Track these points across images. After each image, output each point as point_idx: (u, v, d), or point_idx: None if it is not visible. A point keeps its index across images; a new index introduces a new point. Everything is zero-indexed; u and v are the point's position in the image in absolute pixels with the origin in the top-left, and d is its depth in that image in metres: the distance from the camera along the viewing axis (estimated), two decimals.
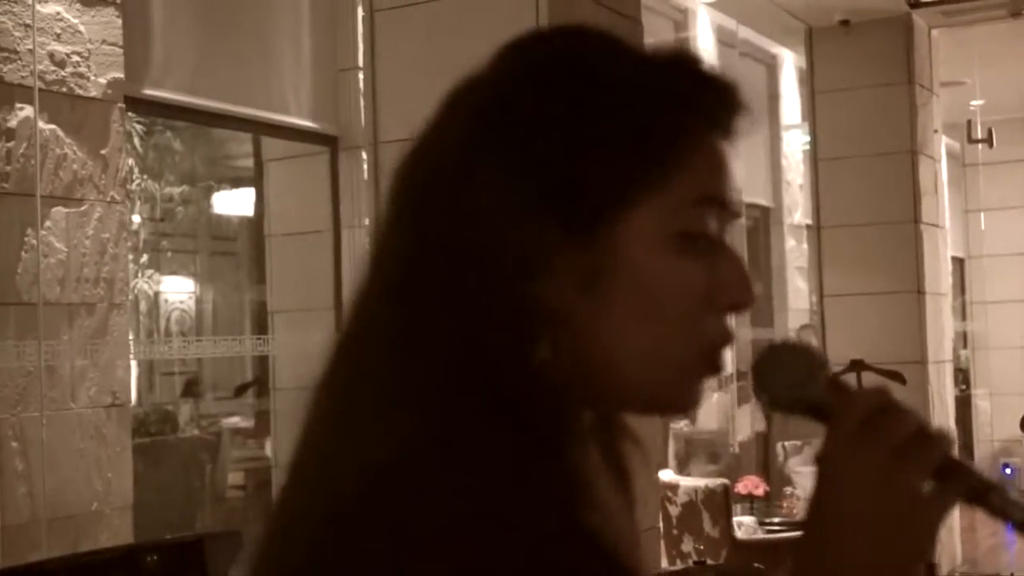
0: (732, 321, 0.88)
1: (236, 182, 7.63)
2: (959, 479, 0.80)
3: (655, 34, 7.99)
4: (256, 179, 5.60)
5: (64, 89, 3.36)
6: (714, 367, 0.86)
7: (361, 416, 0.82)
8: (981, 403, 12.36)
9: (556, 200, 0.81)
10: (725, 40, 8.90)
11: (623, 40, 0.88)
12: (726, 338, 0.86)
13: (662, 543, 5.47)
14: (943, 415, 7.42)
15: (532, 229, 0.81)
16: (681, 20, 8.64)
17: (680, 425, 8.17)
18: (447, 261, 0.82)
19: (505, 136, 0.83)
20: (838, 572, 0.79)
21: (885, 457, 0.78)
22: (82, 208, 3.39)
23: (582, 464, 0.84)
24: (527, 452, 0.78)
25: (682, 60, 0.87)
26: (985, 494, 0.80)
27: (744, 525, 6.15)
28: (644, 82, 0.84)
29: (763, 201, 9.90)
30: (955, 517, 7.64)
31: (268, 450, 5.97)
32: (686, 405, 0.88)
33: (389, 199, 0.89)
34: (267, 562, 0.83)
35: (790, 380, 0.84)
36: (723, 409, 8.20)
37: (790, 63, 9.83)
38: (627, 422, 0.96)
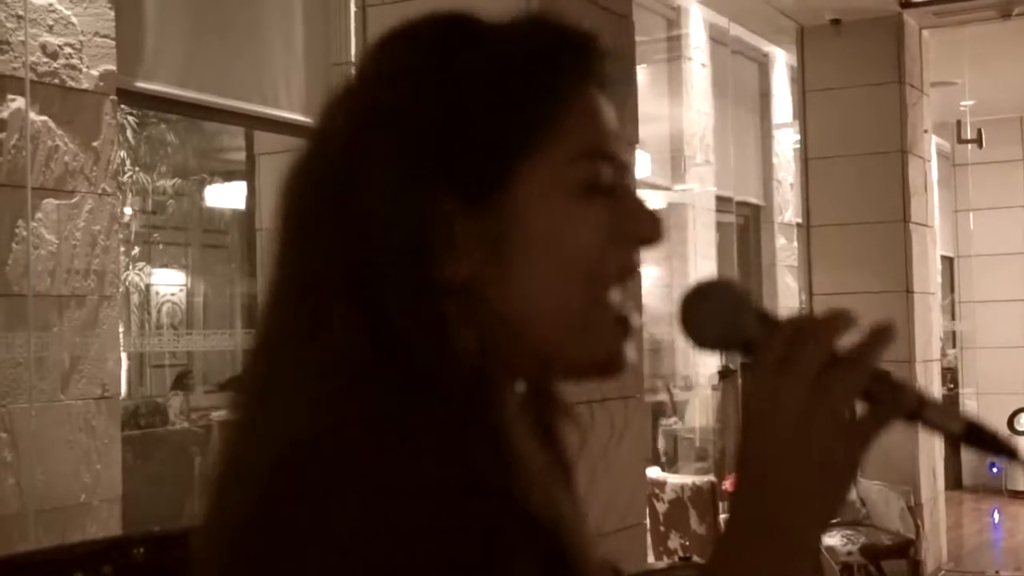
0: (638, 257, 0.88)
1: (228, 175, 7.62)
2: (889, 398, 0.77)
3: (647, 32, 7.99)
4: (248, 172, 5.60)
5: (56, 81, 3.36)
6: (622, 315, 0.86)
7: (276, 405, 0.82)
8: (969, 402, 12.36)
9: (446, 174, 0.82)
10: (717, 38, 8.91)
11: (478, 12, 0.90)
12: (632, 269, 0.86)
13: (649, 540, 5.48)
14: None
15: (428, 206, 0.82)
16: (673, 18, 8.65)
17: (669, 422, 8.18)
18: (347, 251, 0.83)
19: (384, 122, 0.84)
20: (769, 508, 0.78)
21: (804, 387, 0.76)
22: (73, 200, 3.38)
23: (511, 437, 0.83)
24: (445, 427, 0.78)
25: (542, 20, 0.89)
26: (920, 410, 0.78)
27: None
28: (511, 45, 0.86)
29: (754, 199, 9.91)
30: (941, 515, 7.66)
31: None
32: (610, 362, 0.87)
33: (282, 197, 0.89)
34: (201, 551, 0.83)
35: (718, 317, 0.82)
36: (711, 406, 8.21)
37: (782, 61, 9.84)
38: (560, 396, 0.96)
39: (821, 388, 0.76)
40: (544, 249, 0.84)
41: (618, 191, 0.86)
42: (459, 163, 0.82)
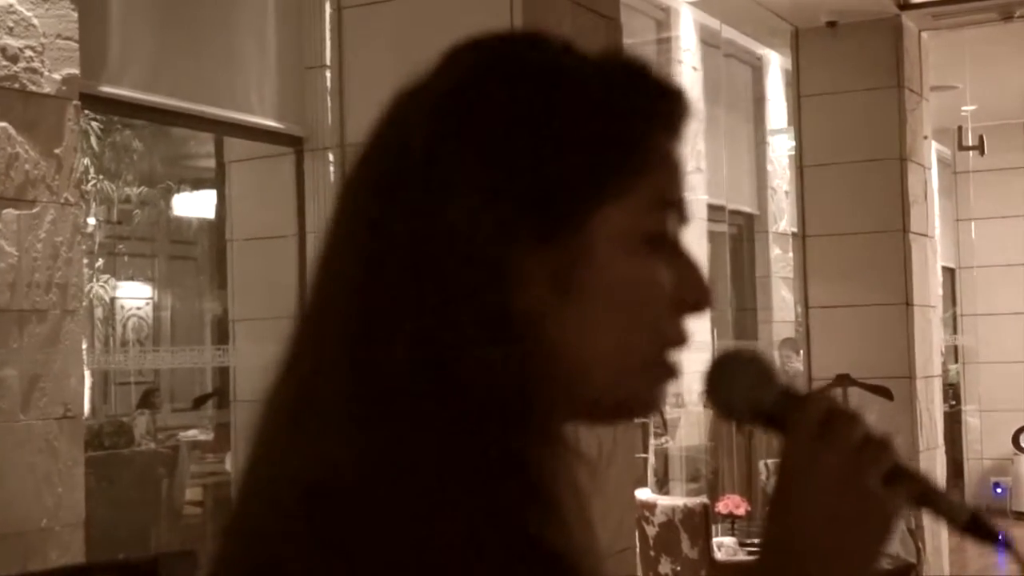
0: (689, 323, 0.92)
1: (197, 184, 7.62)
2: (908, 482, 0.88)
3: (636, 34, 8.02)
4: (218, 181, 5.60)
5: (16, 85, 3.35)
6: (672, 369, 0.90)
7: (312, 430, 0.83)
8: (971, 420, 12.43)
9: (526, 204, 0.84)
10: (709, 40, 8.94)
11: (577, 44, 0.92)
12: (684, 339, 0.91)
13: (639, 564, 5.48)
14: (931, 432, 7.46)
15: (503, 233, 0.83)
16: (663, 19, 8.67)
17: (660, 441, 8.19)
18: (412, 267, 0.84)
19: (471, 139, 0.85)
20: (804, 570, 0.86)
21: (844, 459, 0.86)
22: (34, 210, 3.37)
23: (551, 479, 0.85)
24: (488, 469, 0.80)
25: (636, 65, 0.92)
26: (932, 497, 0.89)
27: (724, 546, 6.16)
28: (608, 87, 0.88)
29: (747, 208, 9.94)
30: (943, 537, 7.68)
31: (228, 465, 5.95)
32: (649, 407, 0.92)
33: (341, 205, 0.90)
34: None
35: (744, 389, 0.90)
36: (704, 424, 8.22)
37: (776, 65, 9.87)
38: (575, 437, 0.98)
39: (858, 461, 0.86)
40: (610, 295, 0.86)
41: (678, 250, 0.90)
42: (542, 197, 0.84)
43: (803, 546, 0.87)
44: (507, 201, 0.84)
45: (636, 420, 0.94)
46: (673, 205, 0.90)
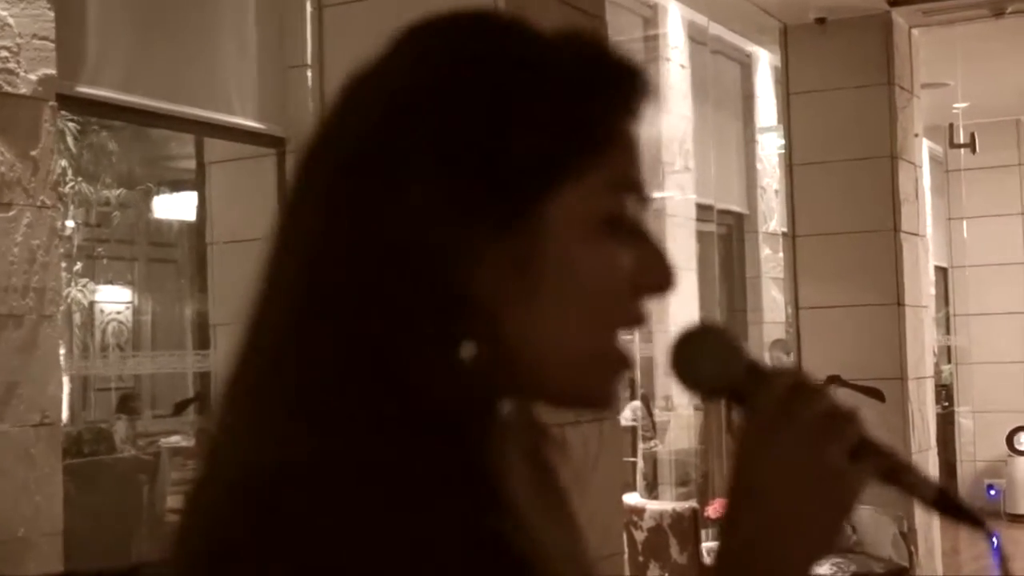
0: (649, 306, 0.92)
1: (176, 185, 7.60)
2: (873, 457, 0.88)
3: (623, 31, 8.03)
4: (198, 182, 5.58)
5: None
6: (626, 359, 0.90)
7: (266, 423, 0.82)
8: (964, 421, 12.46)
9: (480, 189, 0.83)
10: (697, 37, 8.95)
11: (531, 24, 0.91)
12: (643, 321, 0.90)
13: (627, 570, 5.48)
14: (924, 434, 7.48)
15: (458, 217, 0.83)
16: (650, 16, 8.68)
17: (649, 445, 8.19)
18: (365, 256, 0.83)
19: (425, 122, 0.85)
20: (763, 546, 0.86)
21: (805, 435, 0.86)
22: (10, 213, 3.37)
23: (499, 465, 0.86)
24: (437, 461, 0.79)
25: (594, 44, 0.91)
26: (898, 473, 0.89)
27: (714, 551, 6.15)
28: (564, 67, 0.87)
29: (737, 207, 9.95)
30: (936, 541, 7.70)
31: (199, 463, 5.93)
32: (603, 401, 0.91)
33: (293, 195, 0.90)
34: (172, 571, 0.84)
35: (709, 363, 0.90)
36: (694, 427, 8.23)
37: (765, 62, 9.89)
38: (548, 423, 0.99)
39: (820, 437, 0.86)
40: (565, 282, 0.86)
41: (639, 232, 0.90)
42: (496, 182, 0.84)
43: (764, 522, 0.86)
44: (461, 186, 0.83)
45: (592, 411, 0.93)
46: (633, 186, 0.90)
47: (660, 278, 0.90)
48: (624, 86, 0.90)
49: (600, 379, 0.90)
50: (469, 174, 0.83)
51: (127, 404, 7.29)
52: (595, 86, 0.88)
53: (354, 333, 0.82)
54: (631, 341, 0.93)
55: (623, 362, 0.90)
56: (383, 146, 0.85)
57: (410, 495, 0.77)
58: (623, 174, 0.89)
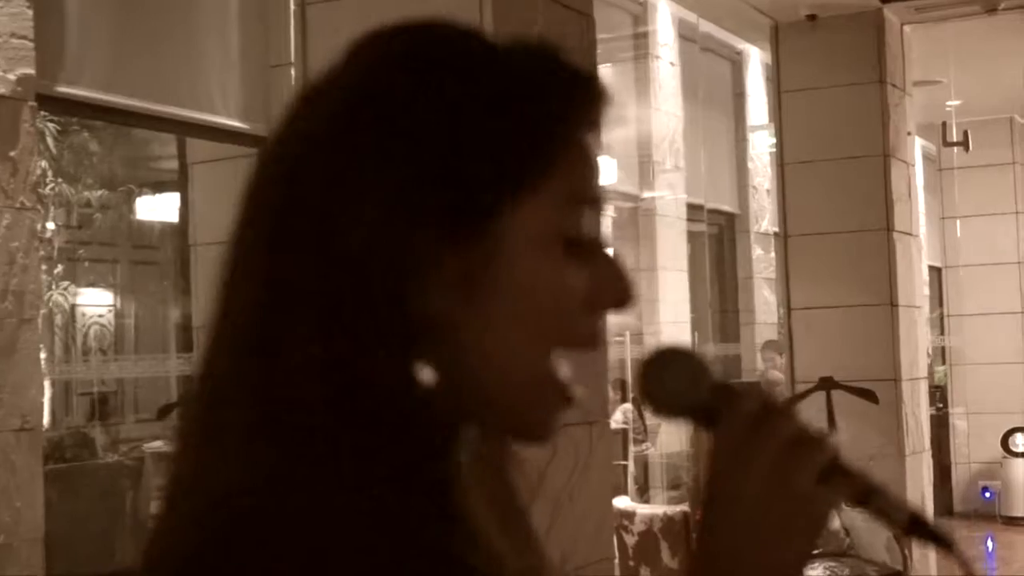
0: (608, 321, 0.92)
1: (159, 186, 7.59)
2: (843, 481, 0.88)
3: (612, 28, 8.04)
4: (180, 183, 5.59)
5: None
6: (568, 395, 0.89)
7: (222, 442, 0.83)
8: (959, 423, 12.49)
9: (432, 204, 0.83)
10: (687, 35, 8.96)
11: (483, 33, 0.91)
12: (598, 341, 0.90)
13: (618, 575, 5.49)
14: (918, 436, 7.50)
15: (409, 233, 0.82)
16: (640, 13, 8.70)
17: (641, 448, 8.20)
18: (315, 270, 0.83)
19: (374, 134, 0.84)
20: (733, 570, 0.87)
21: (774, 457, 0.87)
22: None
23: (458, 485, 0.86)
24: (398, 483, 0.80)
25: (550, 54, 0.90)
26: (869, 496, 0.89)
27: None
28: (518, 77, 0.87)
29: (728, 207, 9.97)
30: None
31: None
32: (540, 434, 0.91)
33: (244, 205, 0.89)
34: None
35: (676, 385, 0.91)
36: (685, 430, 8.24)
37: (756, 60, 9.92)
38: (509, 446, 0.99)
39: (788, 461, 0.87)
40: (518, 299, 0.86)
41: (596, 247, 0.90)
42: (448, 197, 0.83)
43: (732, 545, 0.87)
44: (412, 202, 0.83)
45: (526, 443, 0.94)
46: (588, 199, 0.89)
47: (618, 294, 0.90)
48: (579, 97, 0.90)
49: (538, 409, 0.89)
50: (419, 189, 0.83)
51: (111, 410, 7.28)
52: (548, 98, 0.87)
53: (308, 352, 0.82)
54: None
55: (565, 395, 0.89)
56: (333, 159, 0.85)
57: (371, 520, 0.77)
58: (579, 188, 0.89)
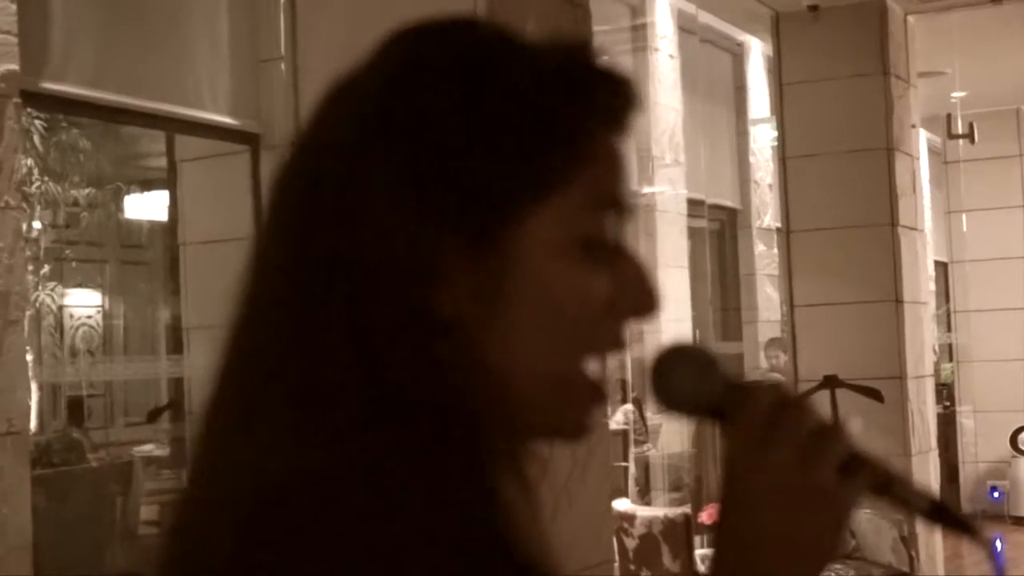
0: (631, 329, 0.92)
1: (147, 184, 7.60)
2: (863, 472, 0.88)
3: (609, 20, 8.04)
4: (169, 181, 5.58)
5: None
6: (601, 390, 0.90)
7: (254, 442, 0.83)
8: (966, 421, 12.49)
9: (453, 204, 0.84)
10: (686, 26, 8.96)
11: (515, 33, 0.91)
12: (622, 348, 0.91)
13: None
14: (924, 435, 7.50)
15: (427, 235, 0.83)
16: (638, 4, 8.71)
17: (642, 449, 8.21)
18: (336, 271, 0.84)
19: (397, 137, 0.85)
20: (757, 568, 0.87)
21: (792, 455, 0.87)
22: None
23: (495, 482, 0.86)
24: (433, 471, 0.80)
25: (577, 54, 0.91)
26: (889, 486, 0.89)
27: (708, 558, 6.16)
28: (541, 79, 0.87)
29: (729, 202, 9.98)
30: (937, 545, 7.72)
31: (185, 481, 5.93)
32: (575, 432, 0.91)
33: (270, 206, 0.91)
34: None
35: (687, 382, 0.91)
36: (687, 430, 8.24)
37: (758, 51, 9.92)
38: (538, 445, 0.99)
39: (808, 455, 0.87)
40: (538, 305, 0.86)
41: (619, 252, 0.90)
42: (470, 196, 0.84)
43: (756, 544, 0.87)
44: (430, 206, 0.84)
45: (564, 442, 0.94)
46: (614, 203, 0.89)
47: (642, 301, 0.90)
48: (607, 98, 0.90)
49: (571, 408, 0.90)
50: (439, 193, 0.84)
51: (100, 413, 7.29)
52: (574, 99, 0.87)
53: (339, 353, 0.83)
54: (619, 359, 0.94)
55: (597, 392, 0.90)
56: (354, 161, 0.86)
57: (408, 511, 0.78)
58: (603, 191, 0.89)
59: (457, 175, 0.84)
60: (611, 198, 0.89)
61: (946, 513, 0.90)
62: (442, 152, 0.84)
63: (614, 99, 0.91)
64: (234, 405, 0.87)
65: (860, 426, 0.90)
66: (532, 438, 0.93)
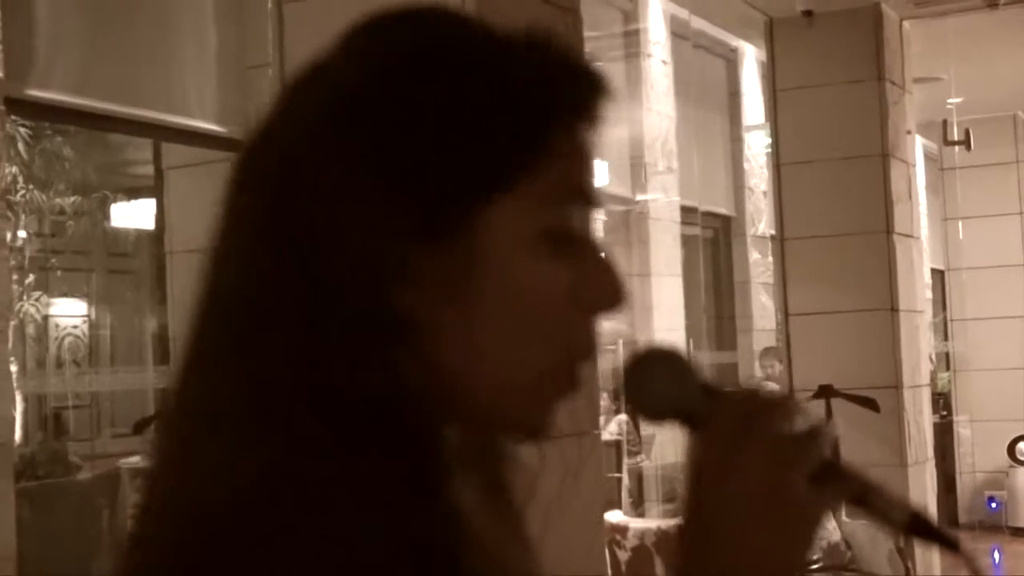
0: (600, 325, 0.91)
1: (134, 192, 7.59)
2: (838, 481, 0.86)
3: (601, 26, 8.05)
4: (156, 189, 5.59)
5: None
6: (573, 381, 0.90)
7: (209, 447, 0.83)
8: (963, 431, 12.50)
9: (414, 200, 0.83)
10: (679, 32, 8.97)
11: (481, 22, 0.90)
12: (590, 347, 0.90)
13: None
14: (920, 445, 7.51)
15: (385, 230, 0.83)
16: (630, 10, 8.72)
17: (635, 460, 8.20)
18: (292, 269, 0.84)
19: (356, 131, 0.85)
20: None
21: (762, 461, 0.84)
22: None
23: (450, 489, 0.85)
24: (394, 482, 0.80)
25: (543, 44, 0.89)
26: (866, 497, 0.87)
27: None
28: (505, 69, 0.87)
29: (723, 210, 9.99)
30: (934, 556, 7.72)
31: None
32: (538, 428, 0.91)
33: (227, 200, 0.90)
34: None
35: (661, 386, 0.90)
36: (681, 440, 8.24)
37: (751, 57, 9.93)
38: (505, 444, 0.99)
39: (780, 462, 0.85)
40: (503, 302, 0.85)
41: (585, 246, 0.89)
42: (429, 195, 0.83)
43: (720, 552, 0.85)
44: (393, 200, 0.83)
45: (528, 441, 0.94)
46: (580, 196, 0.89)
47: (608, 295, 0.89)
48: (574, 89, 0.89)
49: (539, 404, 0.89)
50: (399, 187, 0.83)
51: (86, 424, 7.27)
52: (540, 91, 0.87)
53: (291, 354, 0.82)
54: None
55: (565, 386, 0.89)
56: (312, 155, 0.85)
57: (363, 518, 0.77)
58: (569, 184, 0.88)
59: (417, 167, 0.83)
60: (577, 191, 0.89)
61: (926, 526, 0.88)
62: (401, 144, 0.84)
63: (581, 90, 0.90)
64: (189, 411, 0.87)
65: (839, 432, 0.89)
66: (503, 436, 0.93)
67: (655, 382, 0.90)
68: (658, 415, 0.91)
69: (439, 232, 0.84)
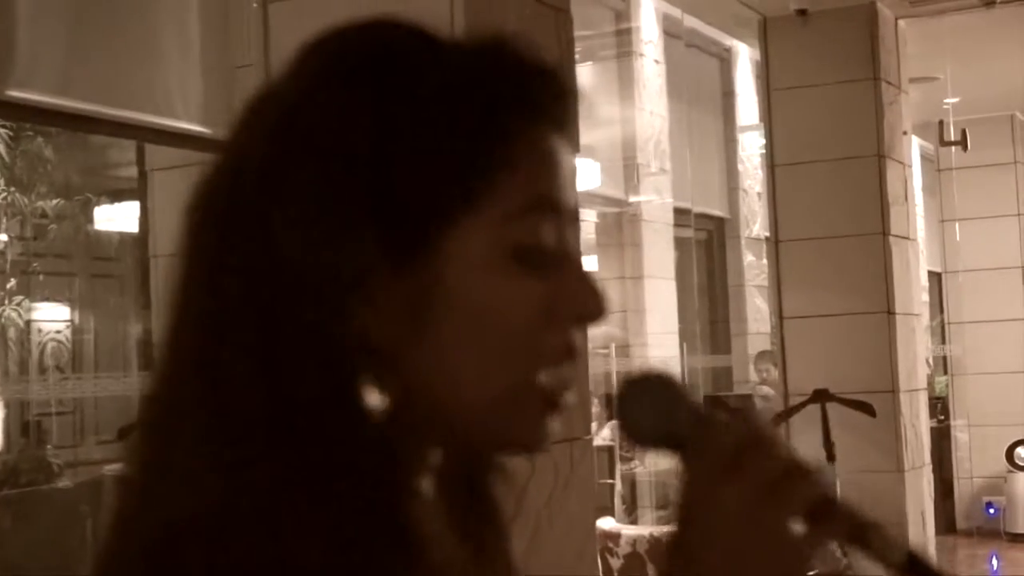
0: (579, 336, 0.90)
1: (117, 195, 7.57)
2: (831, 518, 0.85)
3: (593, 25, 8.06)
4: (140, 191, 5.57)
5: None
6: (556, 394, 0.88)
7: (164, 470, 0.83)
8: (961, 435, 12.50)
9: (372, 222, 0.82)
10: (672, 31, 8.98)
11: (437, 32, 0.89)
12: (571, 358, 0.88)
13: None
14: (917, 450, 7.51)
15: (346, 257, 0.82)
16: (622, 9, 8.72)
17: (628, 466, 8.20)
18: (249, 293, 0.82)
19: (310, 151, 0.84)
20: None
21: (751, 496, 0.82)
22: None
23: (414, 517, 0.84)
24: (342, 507, 0.79)
25: (500, 50, 0.88)
26: (862, 535, 0.85)
27: None
28: (461, 81, 0.85)
29: (717, 211, 9.99)
30: None
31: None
32: (532, 441, 0.90)
33: (187, 226, 0.89)
34: None
35: (651, 417, 0.88)
36: None
37: (745, 56, 9.94)
38: (496, 463, 0.99)
39: (772, 498, 0.82)
40: (472, 321, 0.84)
41: (559, 257, 0.87)
42: (387, 210, 0.82)
43: None
44: (350, 214, 0.82)
45: (522, 453, 0.93)
46: (548, 206, 0.87)
47: (586, 307, 0.88)
48: (533, 94, 0.88)
49: (521, 421, 0.88)
50: (356, 208, 0.82)
51: (69, 431, 7.26)
52: (498, 100, 0.86)
53: (250, 378, 0.81)
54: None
55: (548, 400, 0.88)
56: (268, 175, 0.84)
57: (320, 549, 0.77)
58: (535, 194, 0.87)
59: (375, 188, 0.82)
60: (545, 201, 0.87)
61: (922, 566, 0.86)
62: (358, 163, 0.83)
63: (539, 95, 0.88)
64: (152, 430, 0.86)
65: (833, 474, 0.87)
66: (494, 453, 0.92)
67: (644, 411, 0.88)
68: (647, 444, 0.90)
69: (399, 257, 0.83)
